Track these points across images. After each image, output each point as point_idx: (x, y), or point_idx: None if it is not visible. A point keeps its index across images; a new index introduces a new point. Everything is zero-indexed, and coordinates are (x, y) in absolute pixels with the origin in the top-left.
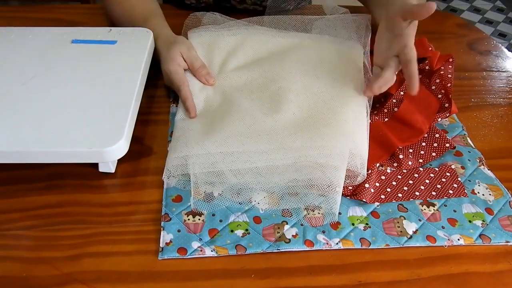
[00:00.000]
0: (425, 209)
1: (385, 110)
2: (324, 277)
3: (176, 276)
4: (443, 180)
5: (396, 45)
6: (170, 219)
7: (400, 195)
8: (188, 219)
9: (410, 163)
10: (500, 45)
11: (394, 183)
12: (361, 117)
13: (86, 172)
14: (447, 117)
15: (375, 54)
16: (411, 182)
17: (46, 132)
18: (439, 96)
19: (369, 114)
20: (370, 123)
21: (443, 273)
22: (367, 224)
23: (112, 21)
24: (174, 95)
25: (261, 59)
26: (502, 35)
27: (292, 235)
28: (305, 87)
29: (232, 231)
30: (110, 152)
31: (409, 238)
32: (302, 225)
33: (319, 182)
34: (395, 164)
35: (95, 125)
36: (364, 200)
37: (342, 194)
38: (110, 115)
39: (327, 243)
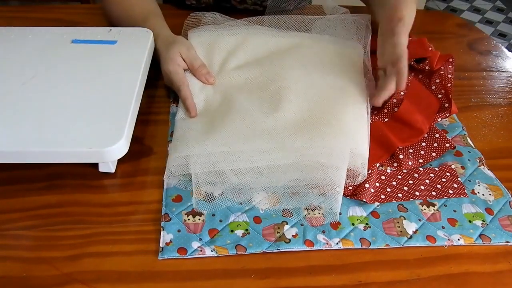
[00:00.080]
0: (425, 209)
1: (385, 110)
2: (324, 277)
3: (176, 276)
4: (443, 180)
5: (389, 45)
6: (170, 219)
7: (400, 195)
8: (188, 219)
9: (410, 163)
10: (500, 45)
11: (394, 183)
12: (362, 117)
13: (86, 172)
14: (447, 117)
15: (378, 57)
16: (411, 182)
17: (46, 132)
18: (439, 96)
19: (369, 114)
20: (370, 123)
21: (443, 273)
22: (367, 224)
23: (111, 22)
24: (174, 95)
25: (261, 59)
26: (502, 35)
27: (292, 235)
28: (305, 87)
29: (232, 231)
30: (110, 152)
31: (409, 238)
32: (302, 225)
33: (320, 182)
34: (395, 164)
35: (95, 125)
36: (364, 200)
37: (342, 194)
38: (110, 115)
39: (327, 243)
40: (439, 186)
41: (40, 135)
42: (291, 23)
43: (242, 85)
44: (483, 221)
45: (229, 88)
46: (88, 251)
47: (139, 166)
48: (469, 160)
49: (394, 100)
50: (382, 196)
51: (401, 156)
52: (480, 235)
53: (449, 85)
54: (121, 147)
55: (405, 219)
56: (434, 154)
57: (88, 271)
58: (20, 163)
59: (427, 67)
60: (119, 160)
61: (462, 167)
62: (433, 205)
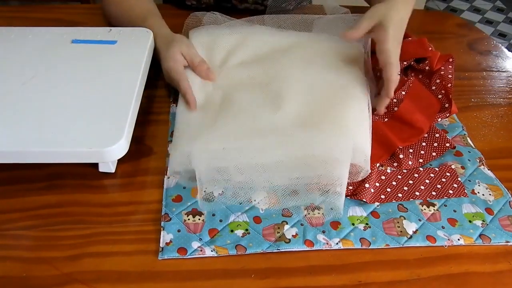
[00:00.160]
0: (425, 209)
1: (385, 110)
2: (324, 277)
3: (176, 276)
4: (443, 180)
5: (377, 51)
6: (170, 219)
7: (400, 195)
8: (188, 219)
9: (410, 162)
10: (500, 45)
11: (394, 183)
12: (363, 115)
13: (86, 172)
14: (447, 117)
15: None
16: (411, 182)
17: (46, 132)
18: (439, 96)
19: (371, 112)
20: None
21: (443, 273)
22: (367, 224)
23: (110, 22)
24: (174, 95)
25: (262, 58)
26: (502, 35)
27: (292, 235)
28: (306, 85)
29: (232, 231)
30: (110, 152)
31: (409, 238)
32: (302, 225)
33: (323, 178)
34: (395, 164)
35: (95, 125)
36: (364, 200)
37: None
38: (110, 115)
39: (327, 243)
40: (439, 186)
41: (40, 135)
42: (292, 23)
43: (243, 83)
44: (483, 221)
45: (230, 85)
46: (88, 251)
47: (139, 166)
48: (469, 160)
49: (395, 100)
50: (382, 196)
51: (401, 156)
52: (480, 235)
53: (449, 85)
54: (121, 147)
55: (405, 219)
56: (434, 153)
57: (88, 271)
58: (20, 163)
59: (427, 67)
60: (119, 160)
61: (462, 167)
62: (433, 205)
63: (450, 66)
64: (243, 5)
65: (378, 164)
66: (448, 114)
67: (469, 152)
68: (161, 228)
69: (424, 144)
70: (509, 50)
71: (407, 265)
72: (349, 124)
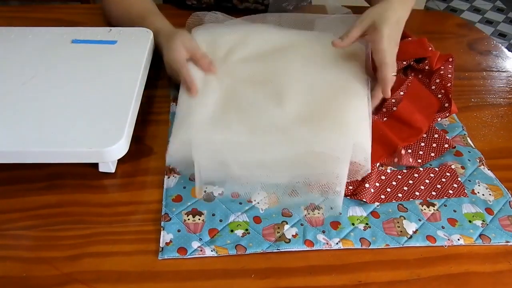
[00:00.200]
0: (425, 209)
1: (384, 110)
2: (324, 277)
3: (176, 276)
4: (443, 180)
5: (373, 51)
6: (170, 219)
7: (400, 195)
8: (188, 219)
9: (410, 160)
10: (500, 45)
11: (394, 183)
12: (363, 113)
13: (86, 172)
14: (447, 117)
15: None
16: (411, 182)
17: (46, 132)
18: (439, 96)
19: (371, 110)
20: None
21: (443, 273)
22: (367, 224)
23: (110, 22)
24: (174, 95)
25: (263, 55)
26: (502, 35)
27: (292, 235)
28: (307, 83)
29: (232, 231)
30: (110, 152)
31: (409, 238)
32: (302, 225)
33: (323, 177)
34: (395, 159)
35: (95, 125)
36: (364, 200)
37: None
38: (110, 115)
39: (327, 243)
40: (439, 186)
41: (40, 135)
42: (293, 21)
43: (245, 79)
44: (483, 221)
45: (232, 81)
46: (88, 251)
47: (139, 166)
48: (469, 160)
49: (393, 100)
50: (382, 196)
51: (402, 152)
52: (480, 235)
53: (449, 85)
54: (121, 147)
55: (405, 219)
56: (432, 154)
57: (88, 271)
58: (20, 163)
59: (427, 67)
60: (119, 160)
61: (462, 167)
62: (433, 205)
63: (450, 66)
64: (244, 5)
65: (378, 164)
66: (448, 114)
67: (469, 152)
68: (161, 228)
69: (422, 144)
70: (509, 50)
71: (407, 265)
72: (349, 123)
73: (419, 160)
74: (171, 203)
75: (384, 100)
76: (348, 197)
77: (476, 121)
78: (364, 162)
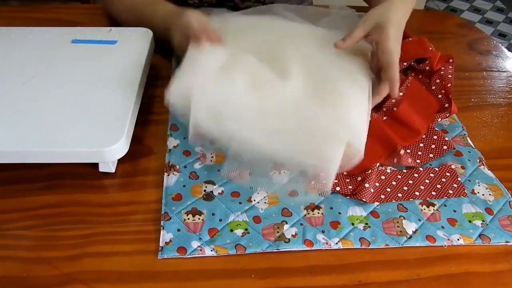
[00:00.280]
0: (425, 209)
1: (384, 109)
2: (324, 277)
3: (176, 276)
4: (443, 180)
5: (378, 50)
6: (170, 218)
7: (400, 195)
8: (188, 219)
9: (409, 160)
10: (500, 45)
11: (394, 183)
12: (363, 103)
13: (86, 172)
14: (447, 117)
15: (375, 61)
16: (411, 182)
17: (46, 132)
18: (439, 96)
19: (371, 101)
20: (369, 121)
21: (443, 273)
22: (366, 224)
23: (112, 15)
24: None
25: (271, 40)
26: (502, 35)
27: (292, 235)
28: (314, 64)
29: (231, 230)
30: (110, 152)
31: (408, 238)
32: (301, 224)
33: (317, 153)
34: (395, 160)
35: (95, 125)
36: (364, 200)
37: (342, 194)
38: (110, 115)
39: (327, 243)
40: (439, 186)
41: (40, 135)
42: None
43: (253, 54)
44: (483, 221)
45: (240, 52)
46: (88, 251)
47: (139, 166)
48: (469, 160)
49: (393, 100)
50: (382, 196)
51: (401, 152)
52: (480, 235)
53: (449, 85)
54: (121, 147)
55: (404, 219)
56: (431, 155)
57: (88, 271)
58: (20, 163)
59: (427, 67)
60: (119, 160)
61: (462, 167)
62: (433, 205)
63: (450, 66)
64: (245, 4)
65: (378, 164)
66: (448, 114)
67: (469, 152)
68: (161, 228)
69: (421, 145)
70: (509, 50)
71: (407, 265)
72: (350, 109)
73: (418, 161)
74: (171, 201)
75: (384, 99)
76: (348, 197)
77: (476, 121)
78: (359, 147)
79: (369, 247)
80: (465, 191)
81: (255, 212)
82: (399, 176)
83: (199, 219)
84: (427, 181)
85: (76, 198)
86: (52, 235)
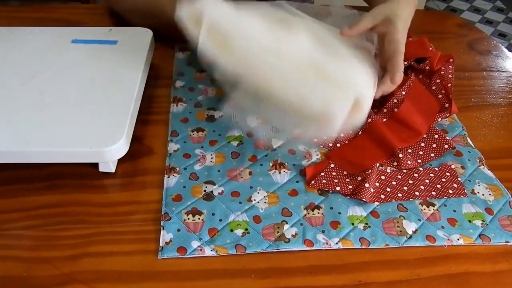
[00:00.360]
0: (424, 209)
1: (385, 110)
2: (324, 277)
3: (176, 276)
4: (443, 180)
5: (386, 42)
6: (170, 218)
7: (400, 195)
8: (188, 219)
9: (409, 162)
10: (500, 45)
11: (394, 183)
12: (371, 75)
13: (86, 172)
14: (447, 117)
15: (379, 56)
16: (411, 182)
17: (46, 132)
18: (440, 96)
19: (376, 82)
20: (369, 122)
21: (443, 273)
22: (366, 223)
23: (119, 7)
24: (174, 94)
25: (280, 18)
26: (502, 35)
27: (292, 235)
28: (321, 38)
29: (231, 230)
30: (110, 152)
31: (408, 238)
32: (301, 224)
33: (325, 101)
34: (394, 163)
35: (95, 125)
36: (364, 199)
37: (342, 194)
38: (110, 115)
39: (327, 243)
40: (439, 186)
41: (40, 135)
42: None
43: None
44: (483, 221)
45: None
46: (88, 251)
47: (139, 166)
48: (469, 160)
49: (395, 100)
50: (382, 196)
51: (400, 155)
52: (480, 235)
53: (449, 85)
54: (121, 147)
55: (404, 219)
56: (432, 155)
57: (88, 271)
58: (20, 163)
59: (427, 67)
60: (119, 160)
61: (462, 167)
62: (433, 205)
63: (450, 66)
64: None
65: (378, 164)
66: (448, 114)
67: (469, 152)
68: (161, 228)
69: (423, 144)
70: (509, 50)
71: (407, 265)
72: (356, 72)
73: (419, 160)
74: (171, 202)
75: (385, 100)
76: (348, 197)
77: (476, 121)
78: (364, 110)
79: (369, 247)
80: (465, 191)
81: (255, 212)
82: (399, 176)
83: (199, 219)
84: (427, 181)
85: (76, 198)
86: (52, 235)
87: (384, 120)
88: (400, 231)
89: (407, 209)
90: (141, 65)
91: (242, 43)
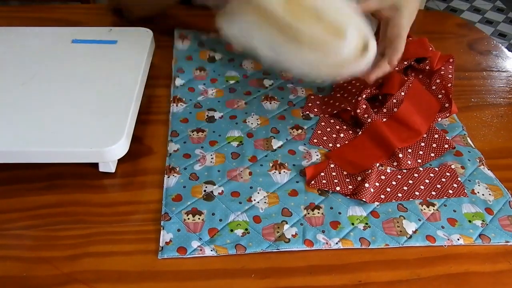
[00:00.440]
0: (424, 209)
1: (384, 110)
2: (324, 277)
3: (176, 276)
4: (443, 180)
5: (389, 27)
6: (170, 218)
7: (400, 194)
8: (188, 218)
9: (409, 162)
10: (500, 45)
11: (394, 182)
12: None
13: (86, 172)
14: (447, 117)
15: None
16: (411, 182)
17: (46, 132)
18: (439, 96)
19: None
20: (369, 122)
21: (443, 273)
22: (366, 223)
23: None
24: (174, 94)
25: None
26: (502, 35)
27: (292, 235)
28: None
29: (231, 230)
30: (110, 151)
31: (408, 238)
32: (301, 224)
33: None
34: (394, 163)
35: (95, 125)
36: (364, 199)
37: (342, 194)
38: (110, 115)
39: (327, 243)
40: (439, 186)
41: (40, 135)
42: None
43: None
44: (483, 221)
45: None
46: (88, 251)
47: (139, 166)
48: (469, 160)
49: (394, 100)
50: (382, 196)
51: (400, 155)
52: (480, 235)
53: (449, 85)
54: (121, 147)
55: (404, 218)
56: (432, 154)
57: (88, 271)
58: (20, 163)
59: (427, 67)
60: (119, 160)
61: (462, 167)
62: (433, 205)
63: (450, 66)
64: None
65: (378, 164)
66: (448, 114)
67: (469, 152)
68: (161, 228)
69: (423, 144)
70: (509, 50)
71: (407, 265)
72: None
73: (419, 160)
74: (171, 202)
75: (385, 100)
76: (348, 197)
77: (476, 121)
78: (370, 52)
79: (369, 247)
80: (465, 191)
81: (255, 212)
82: (399, 176)
83: (199, 219)
84: (427, 181)
85: (76, 198)
86: (52, 235)
87: (384, 120)
88: (400, 231)
89: (407, 209)
90: (141, 65)
91: None
